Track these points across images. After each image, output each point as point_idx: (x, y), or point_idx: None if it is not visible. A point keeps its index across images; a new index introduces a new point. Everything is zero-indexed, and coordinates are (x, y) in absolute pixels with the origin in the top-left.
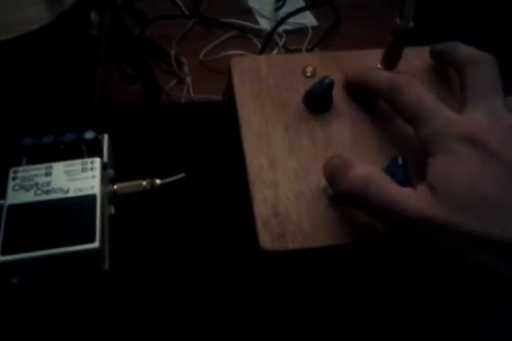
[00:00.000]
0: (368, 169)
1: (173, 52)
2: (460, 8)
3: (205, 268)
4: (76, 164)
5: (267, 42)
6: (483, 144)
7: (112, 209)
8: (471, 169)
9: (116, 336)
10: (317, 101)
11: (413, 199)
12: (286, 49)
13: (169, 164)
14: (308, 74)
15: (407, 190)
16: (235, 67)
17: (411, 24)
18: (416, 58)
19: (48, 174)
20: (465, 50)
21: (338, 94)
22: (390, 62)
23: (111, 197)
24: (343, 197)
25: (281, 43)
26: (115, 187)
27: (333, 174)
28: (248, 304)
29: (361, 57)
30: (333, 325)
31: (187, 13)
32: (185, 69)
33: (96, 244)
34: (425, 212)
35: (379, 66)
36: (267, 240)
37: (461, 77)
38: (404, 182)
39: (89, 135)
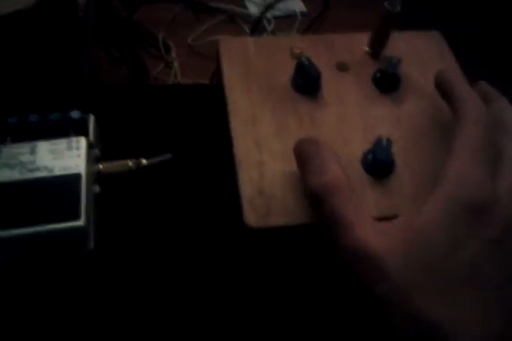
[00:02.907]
0: (340, 176)
1: (160, 37)
2: None
3: (190, 247)
4: (61, 143)
5: (256, 26)
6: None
7: (97, 189)
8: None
9: (98, 315)
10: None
11: (366, 227)
12: (275, 34)
13: (155, 145)
14: (296, 56)
15: (368, 218)
16: (223, 49)
17: (398, 8)
18: (403, 43)
19: (33, 152)
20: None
21: (326, 76)
22: (377, 45)
23: (96, 177)
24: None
25: (270, 28)
26: (100, 166)
27: (306, 163)
28: (234, 282)
29: (349, 40)
30: (318, 303)
31: None
32: (173, 53)
33: (81, 222)
34: (366, 245)
35: (366, 49)
36: (251, 218)
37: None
38: (388, 162)
39: (75, 115)
